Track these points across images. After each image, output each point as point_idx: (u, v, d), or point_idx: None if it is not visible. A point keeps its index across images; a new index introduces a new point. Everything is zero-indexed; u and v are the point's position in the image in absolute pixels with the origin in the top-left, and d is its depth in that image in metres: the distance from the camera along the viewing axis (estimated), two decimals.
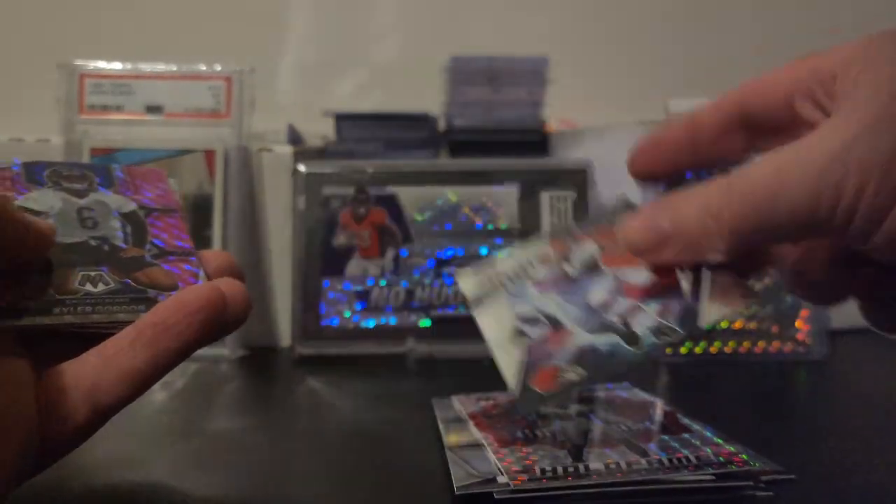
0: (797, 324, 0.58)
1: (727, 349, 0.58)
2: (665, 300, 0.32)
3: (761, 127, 0.32)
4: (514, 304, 0.36)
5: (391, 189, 0.61)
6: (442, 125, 0.76)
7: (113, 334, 0.28)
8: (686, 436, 0.37)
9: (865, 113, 0.26)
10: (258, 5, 0.95)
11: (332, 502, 0.34)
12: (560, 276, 0.36)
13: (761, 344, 0.58)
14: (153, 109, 0.64)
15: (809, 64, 0.30)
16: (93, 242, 0.31)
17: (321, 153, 0.71)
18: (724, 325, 0.58)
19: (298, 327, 0.58)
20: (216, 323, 0.28)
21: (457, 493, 0.32)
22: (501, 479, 0.32)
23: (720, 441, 0.36)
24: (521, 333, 0.35)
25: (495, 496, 0.31)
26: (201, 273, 0.32)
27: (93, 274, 0.30)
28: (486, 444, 0.36)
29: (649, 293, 0.33)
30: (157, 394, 0.50)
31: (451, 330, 0.59)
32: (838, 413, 0.48)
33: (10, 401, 0.25)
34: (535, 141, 0.72)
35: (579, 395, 0.44)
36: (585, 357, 0.32)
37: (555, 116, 0.79)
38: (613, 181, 0.67)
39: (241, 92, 0.64)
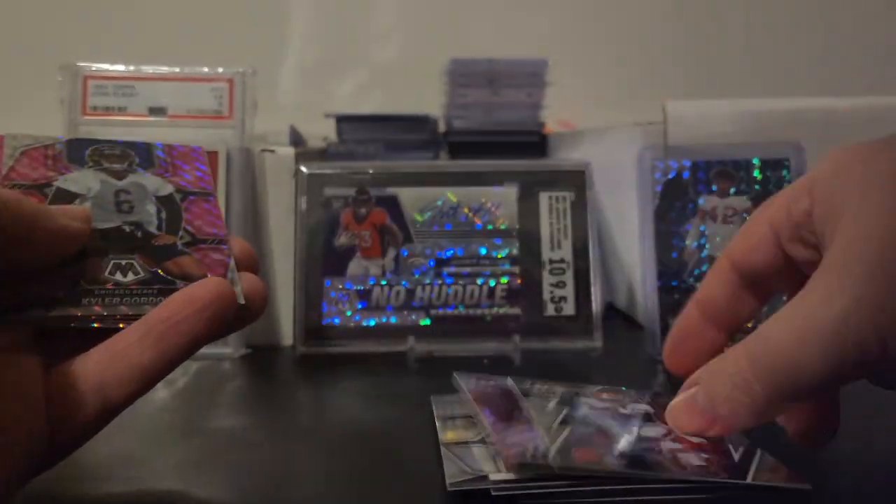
0: None
1: (725, 349, 0.58)
2: (714, 455, 0.34)
3: (765, 280, 0.33)
4: (566, 409, 0.39)
5: (392, 190, 0.61)
6: (442, 127, 0.77)
7: (122, 328, 0.28)
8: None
9: (860, 265, 0.26)
10: (260, 8, 0.96)
11: (329, 499, 0.35)
12: (614, 410, 0.40)
13: None
14: (156, 111, 0.64)
15: (782, 203, 0.31)
16: (127, 228, 0.31)
17: (322, 154, 0.72)
18: None
19: (300, 326, 0.59)
20: (225, 318, 0.28)
21: (449, 489, 0.32)
22: (494, 476, 0.33)
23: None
24: (567, 423, 0.37)
25: (492, 493, 0.32)
26: (231, 263, 0.31)
27: (124, 262, 0.29)
28: (484, 423, 0.37)
29: (701, 447, 0.34)
30: (160, 392, 0.50)
31: (451, 329, 0.59)
32: (842, 415, 0.48)
33: (17, 399, 0.25)
34: (534, 142, 0.73)
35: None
36: (629, 458, 0.34)
37: (553, 118, 0.80)
38: (612, 182, 0.68)
39: (244, 94, 0.64)
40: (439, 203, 0.61)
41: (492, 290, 0.60)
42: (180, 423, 0.46)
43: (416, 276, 0.60)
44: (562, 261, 0.60)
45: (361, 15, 0.98)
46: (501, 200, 0.62)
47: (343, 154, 0.72)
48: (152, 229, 0.31)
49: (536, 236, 0.61)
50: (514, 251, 0.61)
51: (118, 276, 0.29)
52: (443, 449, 0.37)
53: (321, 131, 0.78)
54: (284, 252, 0.63)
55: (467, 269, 0.60)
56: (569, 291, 0.60)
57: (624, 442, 0.35)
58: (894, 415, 0.45)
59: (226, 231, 0.33)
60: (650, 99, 0.64)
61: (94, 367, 0.26)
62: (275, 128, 0.72)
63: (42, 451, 0.26)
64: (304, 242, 0.61)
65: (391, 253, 0.61)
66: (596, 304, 0.59)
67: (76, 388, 0.26)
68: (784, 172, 0.57)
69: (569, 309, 0.60)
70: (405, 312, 0.60)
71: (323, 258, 0.60)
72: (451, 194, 0.62)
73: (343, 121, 0.74)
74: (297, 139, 0.77)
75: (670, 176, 0.57)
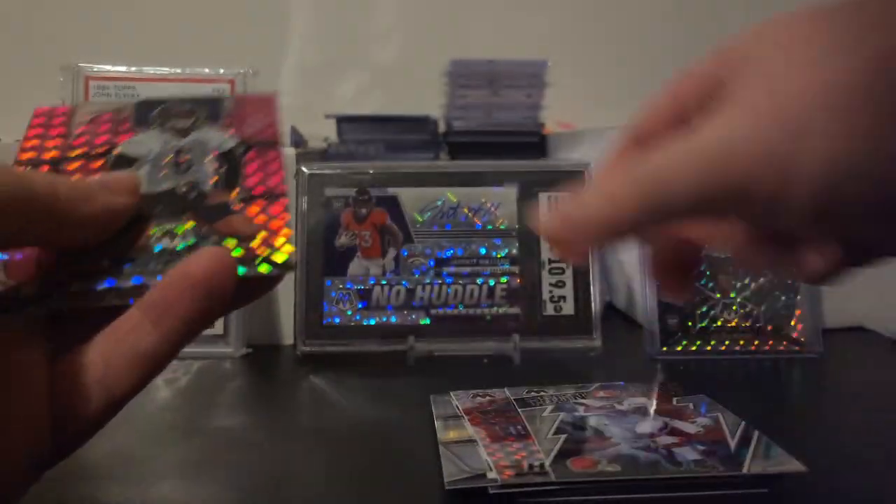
0: (792, 322, 0.59)
1: (722, 348, 0.58)
2: (711, 446, 0.35)
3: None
4: (561, 415, 0.40)
5: (392, 190, 0.62)
6: (442, 127, 0.77)
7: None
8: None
9: (756, 97, 0.25)
10: (261, 8, 0.96)
11: (329, 498, 0.35)
12: (609, 407, 0.41)
13: (756, 343, 0.59)
14: None
15: (689, 72, 0.29)
16: (181, 189, 0.30)
17: (323, 155, 0.72)
18: (718, 323, 0.59)
19: (301, 325, 0.59)
20: (223, 293, 0.26)
21: (447, 487, 0.33)
22: (490, 475, 0.33)
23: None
24: (562, 431, 0.38)
25: (490, 491, 0.32)
26: (287, 221, 0.29)
27: (172, 227, 0.28)
28: (478, 440, 0.37)
29: (697, 438, 0.35)
30: (161, 391, 0.51)
31: (450, 328, 0.59)
32: (837, 410, 0.49)
33: (19, 394, 0.24)
34: (534, 142, 0.73)
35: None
36: (624, 460, 0.34)
37: (553, 118, 0.80)
38: None
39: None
40: (439, 203, 0.62)
41: (491, 290, 0.60)
42: (181, 423, 0.46)
43: (417, 275, 0.60)
44: (561, 261, 0.60)
45: (361, 15, 0.98)
46: (501, 200, 0.62)
47: (343, 154, 0.73)
48: (207, 188, 0.30)
49: (536, 236, 0.61)
50: (514, 251, 0.61)
51: (165, 243, 0.28)
52: (441, 448, 0.37)
53: (322, 132, 0.78)
54: None
55: (467, 269, 0.60)
56: (568, 291, 0.60)
57: (620, 442, 0.36)
58: (888, 399, 0.45)
59: (286, 185, 0.30)
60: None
61: (97, 357, 0.25)
62: None
63: (46, 449, 0.25)
64: (305, 242, 0.61)
65: (391, 253, 0.61)
66: (595, 303, 0.60)
67: (79, 380, 0.25)
68: None
69: (568, 308, 0.60)
70: (405, 312, 0.60)
71: (324, 258, 0.61)
72: (451, 194, 0.62)
73: (344, 121, 0.75)
74: (297, 139, 0.77)
75: None
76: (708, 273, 0.60)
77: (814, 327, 0.59)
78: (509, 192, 0.62)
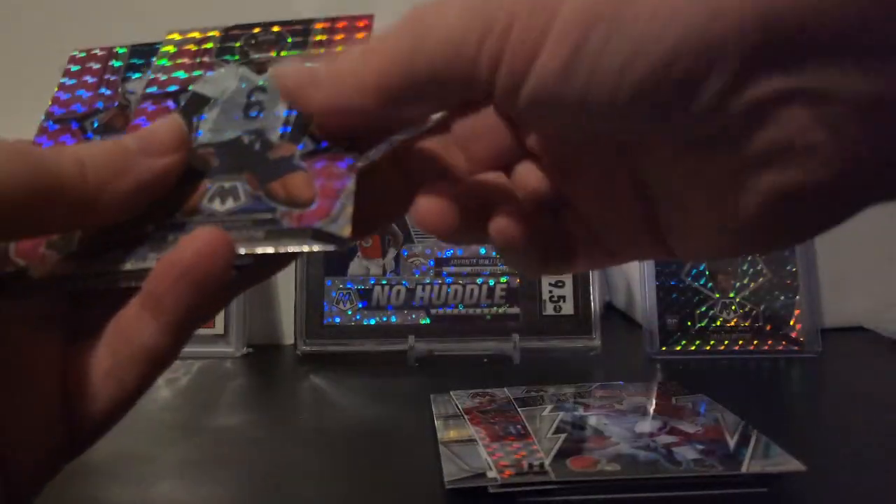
0: (791, 322, 0.59)
1: (721, 347, 0.58)
2: (710, 445, 0.35)
3: None
4: (561, 414, 0.40)
5: None
6: None
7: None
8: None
9: None
10: (262, 8, 0.96)
11: (329, 497, 0.35)
12: (609, 406, 0.41)
13: (755, 342, 0.59)
14: None
15: None
16: (246, 139, 0.25)
17: None
18: (718, 323, 0.59)
19: (302, 325, 0.59)
20: (217, 279, 0.23)
21: (447, 487, 0.33)
22: (490, 474, 0.33)
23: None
24: (562, 431, 0.38)
25: (490, 490, 0.32)
26: (349, 185, 0.24)
27: (227, 185, 0.24)
28: (478, 440, 0.37)
29: (696, 437, 0.35)
30: (162, 391, 0.51)
31: (450, 328, 0.59)
32: (836, 409, 0.49)
33: (31, 389, 0.24)
34: None
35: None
36: (624, 460, 0.34)
37: None
38: None
39: None
40: None
41: (491, 290, 0.60)
42: (182, 422, 0.46)
43: (417, 275, 0.61)
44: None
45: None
46: None
47: None
48: (274, 137, 0.25)
49: None
50: None
51: (215, 204, 0.24)
52: (442, 447, 0.37)
53: None
54: None
55: (467, 269, 0.61)
56: (568, 291, 0.60)
57: (619, 442, 0.36)
58: (887, 398, 0.45)
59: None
60: None
61: (106, 349, 0.24)
62: None
63: (61, 443, 0.24)
64: None
65: (392, 253, 0.61)
66: (595, 303, 0.60)
67: (88, 375, 0.23)
68: None
69: (568, 308, 0.60)
70: (405, 312, 0.60)
71: (324, 258, 0.61)
72: None
73: None
74: None
75: None
76: (708, 273, 0.60)
77: (813, 327, 0.59)
78: None
